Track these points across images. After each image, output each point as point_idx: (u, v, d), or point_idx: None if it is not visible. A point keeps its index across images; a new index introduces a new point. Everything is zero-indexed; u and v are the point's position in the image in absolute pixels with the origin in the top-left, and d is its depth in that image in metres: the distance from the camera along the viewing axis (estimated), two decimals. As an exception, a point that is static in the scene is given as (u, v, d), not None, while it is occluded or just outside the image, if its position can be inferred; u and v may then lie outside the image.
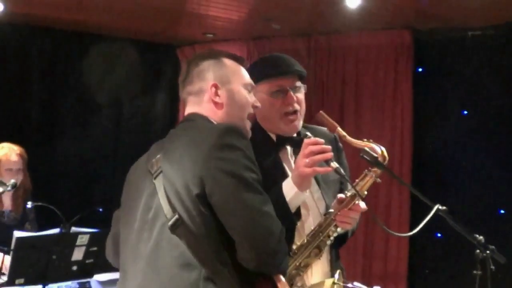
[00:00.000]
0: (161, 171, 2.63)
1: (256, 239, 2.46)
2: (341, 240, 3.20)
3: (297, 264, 3.00)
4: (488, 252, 2.88)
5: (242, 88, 2.85)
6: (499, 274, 2.92)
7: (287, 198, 2.96)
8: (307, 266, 3.03)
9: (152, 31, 8.07)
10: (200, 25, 7.71)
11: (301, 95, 3.26)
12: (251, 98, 2.88)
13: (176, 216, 2.52)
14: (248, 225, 2.46)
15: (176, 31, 8.11)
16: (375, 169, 3.03)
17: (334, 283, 2.96)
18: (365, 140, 3.07)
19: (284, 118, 3.20)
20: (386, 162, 3.04)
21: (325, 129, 3.20)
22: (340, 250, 3.45)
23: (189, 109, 2.85)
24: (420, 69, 7.24)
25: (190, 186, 2.50)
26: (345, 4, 6.02)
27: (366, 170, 3.07)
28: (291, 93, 3.20)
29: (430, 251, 7.06)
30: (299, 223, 3.13)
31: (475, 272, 2.88)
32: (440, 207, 2.88)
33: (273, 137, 3.27)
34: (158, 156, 2.70)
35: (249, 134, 2.85)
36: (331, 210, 3.05)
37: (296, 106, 3.20)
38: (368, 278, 7.31)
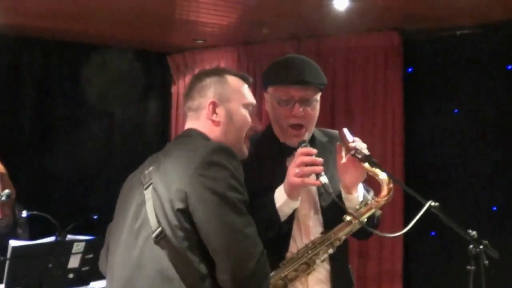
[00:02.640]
0: (151, 183, 2.65)
1: (234, 261, 2.46)
2: (362, 232, 3.13)
3: (283, 275, 2.95)
4: (481, 247, 2.90)
5: (242, 108, 2.84)
6: (493, 269, 2.94)
7: (277, 205, 2.95)
8: (294, 279, 2.98)
9: (142, 39, 8.08)
10: (190, 32, 7.72)
11: (311, 109, 3.15)
12: (251, 118, 2.87)
13: (160, 228, 2.54)
14: (227, 246, 2.47)
15: (166, 38, 8.13)
16: (379, 199, 3.03)
17: None
18: (375, 167, 3.01)
19: (289, 130, 3.14)
20: (392, 193, 3.03)
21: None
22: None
23: (188, 124, 2.86)
24: (409, 70, 7.26)
25: (174, 201, 2.51)
26: (333, 7, 6.04)
27: (370, 199, 3.08)
28: (298, 105, 3.10)
29: (425, 249, 7.07)
30: (298, 234, 3.11)
31: (468, 267, 2.90)
32: (432, 204, 2.90)
33: (282, 142, 3.23)
34: (151, 168, 2.71)
35: (245, 154, 2.84)
36: (329, 231, 3.02)
37: (301, 121, 3.12)
38: (363, 278, 7.33)
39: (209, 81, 2.83)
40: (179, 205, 2.50)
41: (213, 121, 2.78)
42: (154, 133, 8.66)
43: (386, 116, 7.30)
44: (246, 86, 2.90)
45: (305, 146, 3.01)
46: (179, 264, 2.52)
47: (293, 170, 2.91)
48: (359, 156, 3.01)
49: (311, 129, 3.22)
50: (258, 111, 2.98)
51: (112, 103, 8.47)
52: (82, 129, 8.25)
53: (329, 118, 7.41)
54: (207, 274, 2.51)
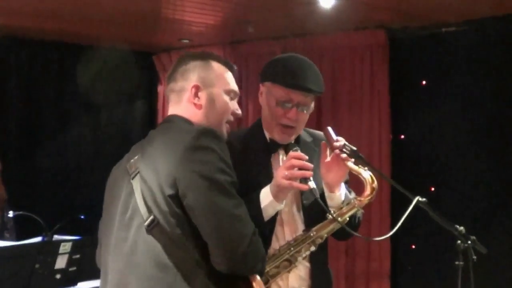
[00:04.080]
0: (138, 172, 2.65)
1: (226, 242, 2.47)
2: (342, 232, 3.12)
3: (265, 271, 2.91)
4: (469, 242, 2.91)
5: (224, 93, 2.85)
6: (481, 264, 2.95)
7: (262, 205, 2.95)
8: (275, 275, 3.00)
9: (128, 39, 8.07)
10: (176, 31, 7.71)
11: (305, 114, 3.16)
12: (232, 105, 2.88)
13: (152, 217, 2.53)
14: (219, 228, 2.47)
15: (152, 38, 8.11)
16: (361, 198, 3.04)
17: None
18: (360, 166, 3.03)
19: (279, 127, 3.14)
20: (375, 193, 3.04)
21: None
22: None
23: (170, 109, 2.86)
24: (396, 67, 7.27)
25: (164, 187, 2.51)
26: (320, 5, 6.04)
27: (353, 199, 3.08)
28: (295, 109, 3.11)
29: (413, 247, 7.09)
30: (280, 231, 3.12)
31: (457, 263, 2.91)
32: (420, 199, 2.90)
33: (268, 138, 3.23)
34: (136, 157, 2.71)
35: (225, 138, 2.82)
36: (311, 228, 3.04)
37: (293, 123, 3.13)
38: (351, 277, 7.34)
39: (193, 65, 2.85)
40: (169, 191, 2.49)
41: (195, 104, 2.79)
42: (141, 132, 8.62)
43: (372, 115, 7.31)
44: (230, 73, 2.91)
45: (296, 150, 3.03)
46: (173, 251, 2.52)
47: (282, 172, 2.91)
48: (347, 152, 3.02)
49: (300, 131, 3.25)
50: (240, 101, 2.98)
51: (98, 103, 8.45)
52: (69, 129, 8.23)
53: (315, 116, 7.40)
54: (202, 259, 2.51)
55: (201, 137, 2.55)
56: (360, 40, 7.39)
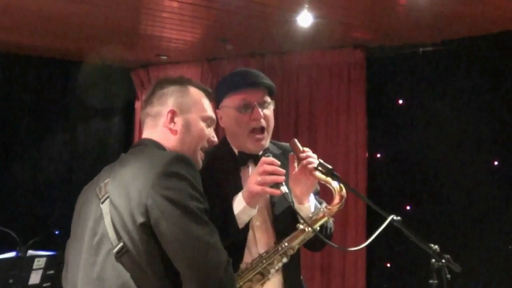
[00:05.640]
0: (108, 196, 2.59)
1: (201, 270, 2.43)
2: (315, 243, 3.15)
3: (238, 286, 2.93)
4: (443, 261, 2.91)
5: (201, 120, 2.82)
6: (455, 282, 2.96)
7: (236, 212, 2.95)
8: None
9: (106, 54, 8.04)
10: (154, 47, 7.71)
11: (269, 112, 3.20)
12: (208, 132, 2.85)
13: (121, 244, 2.49)
14: (193, 256, 2.43)
15: (130, 53, 8.10)
16: (331, 207, 3.04)
17: None
18: (328, 176, 3.05)
19: (251, 136, 3.16)
20: (343, 201, 3.04)
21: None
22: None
23: (145, 133, 2.84)
24: (373, 86, 7.30)
25: (135, 215, 2.46)
26: (297, 24, 6.06)
27: (322, 207, 3.09)
28: (258, 108, 3.14)
29: (388, 265, 7.10)
30: (253, 244, 3.12)
31: (431, 281, 2.92)
32: (394, 218, 2.91)
33: (237, 152, 3.24)
34: (107, 180, 2.66)
35: (199, 166, 2.80)
36: (282, 240, 3.03)
37: (263, 123, 3.15)
38: (326, 294, 7.35)
39: (171, 90, 2.82)
40: (141, 219, 2.45)
41: (170, 129, 2.76)
42: (117, 148, 8.61)
43: (349, 133, 7.34)
44: (207, 99, 2.88)
45: (268, 156, 3.03)
46: (142, 278, 2.48)
47: (254, 178, 2.92)
48: (323, 170, 3.03)
49: (270, 134, 3.26)
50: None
51: (75, 118, 8.42)
52: (45, 144, 8.19)
53: (292, 133, 7.42)
54: (172, 287, 2.48)
55: (173, 164, 2.52)
56: (338, 58, 7.43)
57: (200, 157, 2.83)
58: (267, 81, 3.21)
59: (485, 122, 6.55)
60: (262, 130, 3.17)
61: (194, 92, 2.85)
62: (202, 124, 2.82)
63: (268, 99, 3.22)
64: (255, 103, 3.15)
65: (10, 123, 8.04)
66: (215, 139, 2.89)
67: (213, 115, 2.89)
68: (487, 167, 6.53)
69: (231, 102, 3.18)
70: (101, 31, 6.93)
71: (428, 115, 6.90)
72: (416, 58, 6.96)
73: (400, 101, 7.11)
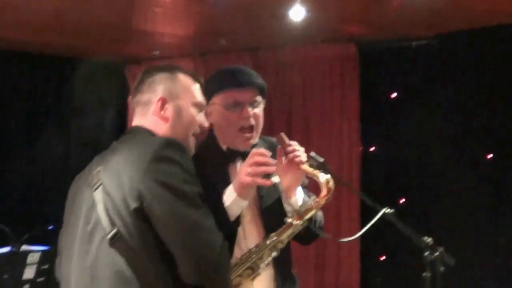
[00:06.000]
0: (100, 184, 2.61)
1: (195, 253, 2.45)
2: (305, 236, 3.15)
3: None
4: (436, 254, 2.92)
5: (191, 106, 2.83)
6: (449, 275, 2.97)
7: (226, 204, 2.93)
8: (239, 285, 2.97)
9: (99, 49, 8.03)
10: (147, 43, 7.69)
11: (258, 110, 3.21)
12: (199, 117, 2.86)
13: (115, 230, 2.50)
14: (188, 240, 2.45)
15: (123, 49, 8.08)
16: (318, 199, 3.02)
17: None
18: (315, 169, 3.04)
19: (239, 135, 3.17)
20: (331, 193, 3.01)
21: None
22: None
23: (135, 120, 2.84)
24: (366, 80, 7.30)
25: (128, 200, 2.48)
26: (289, 18, 6.06)
27: (310, 200, 3.08)
28: (247, 107, 3.14)
29: (382, 258, 7.11)
30: (242, 239, 3.12)
31: (424, 274, 2.92)
32: (387, 211, 2.92)
33: (225, 148, 3.24)
34: (99, 168, 2.68)
35: (192, 151, 2.83)
36: (271, 234, 3.01)
37: (252, 122, 3.16)
38: (321, 288, 7.35)
39: (160, 77, 2.83)
40: (134, 204, 2.47)
41: (161, 117, 2.77)
42: (111, 143, 8.58)
43: (342, 126, 7.34)
44: (197, 85, 2.90)
45: (259, 147, 3.04)
46: (136, 264, 2.49)
47: (245, 169, 2.91)
48: (315, 164, 3.04)
49: (259, 133, 3.26)
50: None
51: (68, 113, 8.41)
52: (38, 139, 8.17)
53: (286, 128, 7.40)
54: (167, 272, 2.49)
55: (165, 148, 2.54)
56: (331, 52, 7.42)
57: (192, 142, 2.85)
58: (258, 80, 3.22)
59: (479, 116, 6.57)
60: (251, 128, 3.18)
61: (184, 78, 2.86)
62: (193, 110, 2.83)
63: (258, 98, 3.22)
64: (244, 101, 3.15)
65: (4, 119, 8.02)
66: (206, 124, 2.92)
67: (204, 101, 2.91)
68: (480, 160, 6.54)
69: (220, 100, 3.19)
70: (94, 27, 6.92)
71: (421, 109, 6.91)
72: (410, 52, 6.96)
73: (394, 95, 7.11)
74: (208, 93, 3.16)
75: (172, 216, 2.45)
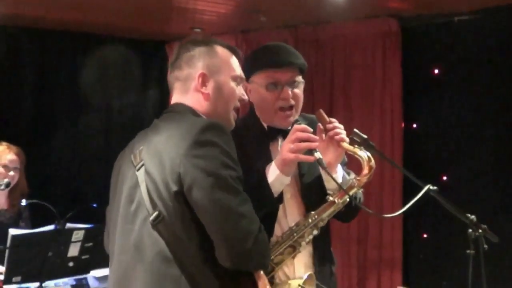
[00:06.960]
0: (143, 164, 2.62)
1: (230, 240, 2.45)
2: (346, 214, 3.15)
3: None
4: (480, 231, 2.90)
5: (231, 80, 2.81)
6: (492, 253, 2.95)
7: (270, 180, 2.93)
8: (280, 262, 2.98)
9: (139, 28, 8.06)
10: (188, 20, 7.70)
11: (298, 90, 3.18)
12: (239, 91, 2.84)
13: (157, 212, 2.52)
14: (223, 226, 2.45)
15: (164, 27, 8.11)
16: (360, 177, 3.01)
17: (299, 285, 2.95)
18: (356, 146, 3.03)
19: (279, 112, 3.15)
20: (373, 171, 3.00)
21: None
22: (334, 239, 3.44)
23: (175, 97, 2.83)
24: (408, 56, 7.24)
25: (169, 183, 2.49)
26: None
27: (351, 178, 3.07)
28: (287, 88, 3.12)
29: (424, 236, 7.08)
30: (282, 217, 3.10)
31: (468, 251, 2.91)
32: (431, 187, 2.90)
33: (266, 126, 3.23)
34: (141, 148, 2.68)
35: (232, 125, 2.82)
36: (312, 212, 3.02)
37: (292, 102, 3.14)
38: (363, 265, 7.34)
39: (198, 51, 2.80)
40: (174, 187, 2.47)
41: (202, 93, 2.75)
42: (153, 120, 8.61)
43: (384, 103, 7.29)
44: (234, 57, 2.87)
45: (300, 123, 3.01)
46: (178, 246, 2.51)
47: (287, 145, 2.91)
48: (358, 140, 3.03)
49: (299, 110, 3.24)
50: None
51: (110, 93, 8.47)
52: (81, 119, 8.24)
53: (327, 106, 7.40)
54: (207, 254, 2.50)
55: (206, 132, 2.53)
56: (372, 28, 7.37)
57: (233, 117, 2.84)
58: (298, 60, 3.18)
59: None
60: (290, 108, 3.16)
61: (222, 51, 2.83)
62: (233, 84, 2.82)
63: (298, 78, 3.20)
64: (284, 81, 3.13)
65: (47, 99, 8.08)
66: (246, 97, 2.90)
67: (242, 73, 2.88)
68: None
69: (260, 79, 3.16)
70: (136, 5, 6.94)
71: (464, 85, 6.84)
72: (452, 28, 6.89)
73: (436, 71, 7.05)
74: (248, 71, 3.15)
75: (210, 202, 2.45)
